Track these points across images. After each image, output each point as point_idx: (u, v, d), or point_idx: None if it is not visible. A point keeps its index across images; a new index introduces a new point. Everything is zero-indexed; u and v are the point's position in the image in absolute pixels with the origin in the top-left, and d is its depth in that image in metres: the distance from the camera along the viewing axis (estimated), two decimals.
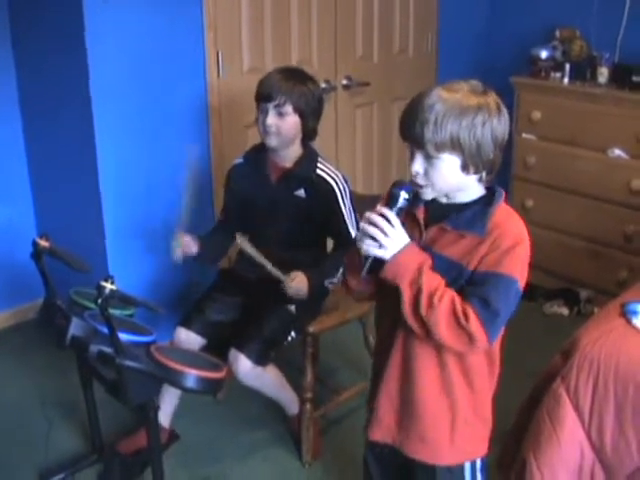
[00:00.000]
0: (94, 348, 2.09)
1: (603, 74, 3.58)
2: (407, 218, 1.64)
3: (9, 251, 3.29)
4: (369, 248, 1.58)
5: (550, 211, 3.79)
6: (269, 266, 2.46)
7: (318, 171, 2.55)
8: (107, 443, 2.63)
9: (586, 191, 3.62)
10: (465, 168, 1.57)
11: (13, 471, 2.59)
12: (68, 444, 2.73)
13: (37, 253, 2.26)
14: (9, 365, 3.24)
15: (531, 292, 3.74)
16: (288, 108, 2.44)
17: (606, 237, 3.60)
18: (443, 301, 1.54)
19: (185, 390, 2.20)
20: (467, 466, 1.77)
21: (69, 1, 2.76)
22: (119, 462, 2.54)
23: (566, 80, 3.68)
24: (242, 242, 2.48)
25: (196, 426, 2.83)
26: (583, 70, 3.67)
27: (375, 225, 1.57)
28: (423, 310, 1.55)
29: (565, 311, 3.68)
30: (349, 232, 2.54)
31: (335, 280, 2.52)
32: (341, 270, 2.49)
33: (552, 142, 3.73)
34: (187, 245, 2.54)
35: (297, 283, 2.45)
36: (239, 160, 2.69)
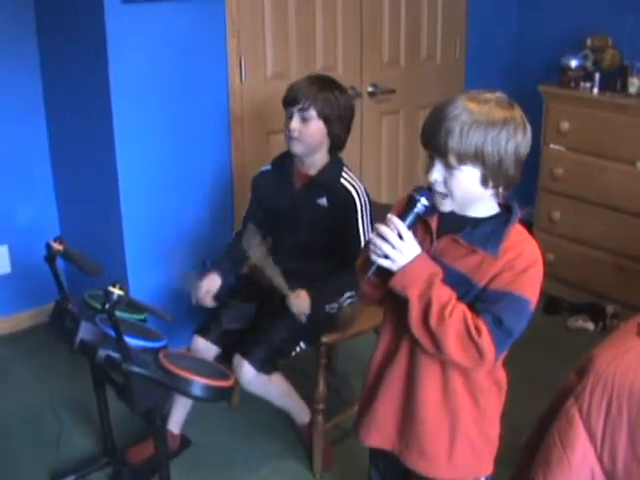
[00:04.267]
0: (102, 353, 2.09)
1: (634, 84, 3.48)
2: (420, 226, 1.62)
3: (32, 252, 3.29)
4: (377, 259, 1.56)
5: (577, 223, 3.71)
6: (277, 278, 2.44)
7: (342, 180, 2.52)
8: (119, 446, 2.63)
9: (615, 204, 3.54)
10: (484, 182, 1.55)
11: (24, 471, 2.60)
12: (80, 446, 2.74)
13: (50, 256, 2.27)
14: (25, 365, 3.27)
15: (555, 305, 3.68)
16: (312, 113, 2.42)
17: (634, 251, 3.51)
18: (454, 315, 1.51)
19: (191, 398, 2.20)
20: None
21: (91, 6, 2.77)
22: (128, 471, 2.53)
23: (596, 90, 3.59)
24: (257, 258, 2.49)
25: (208, 432, 2.82)
26: (614, 80, 3.58)
27: (384, 238, 1.54)
28: (433, 323, 1.51)
29: (590, 326, 3.58)
30: (359, 250, 2.50)
31: (336, 305, 2.47)
32: (347, 294, 2.47)
33: (580, 153, 3.64)
34: (211, 283, 2.56)
35: (300, 301, 2.42)
36: (266, 167, 2.67)
